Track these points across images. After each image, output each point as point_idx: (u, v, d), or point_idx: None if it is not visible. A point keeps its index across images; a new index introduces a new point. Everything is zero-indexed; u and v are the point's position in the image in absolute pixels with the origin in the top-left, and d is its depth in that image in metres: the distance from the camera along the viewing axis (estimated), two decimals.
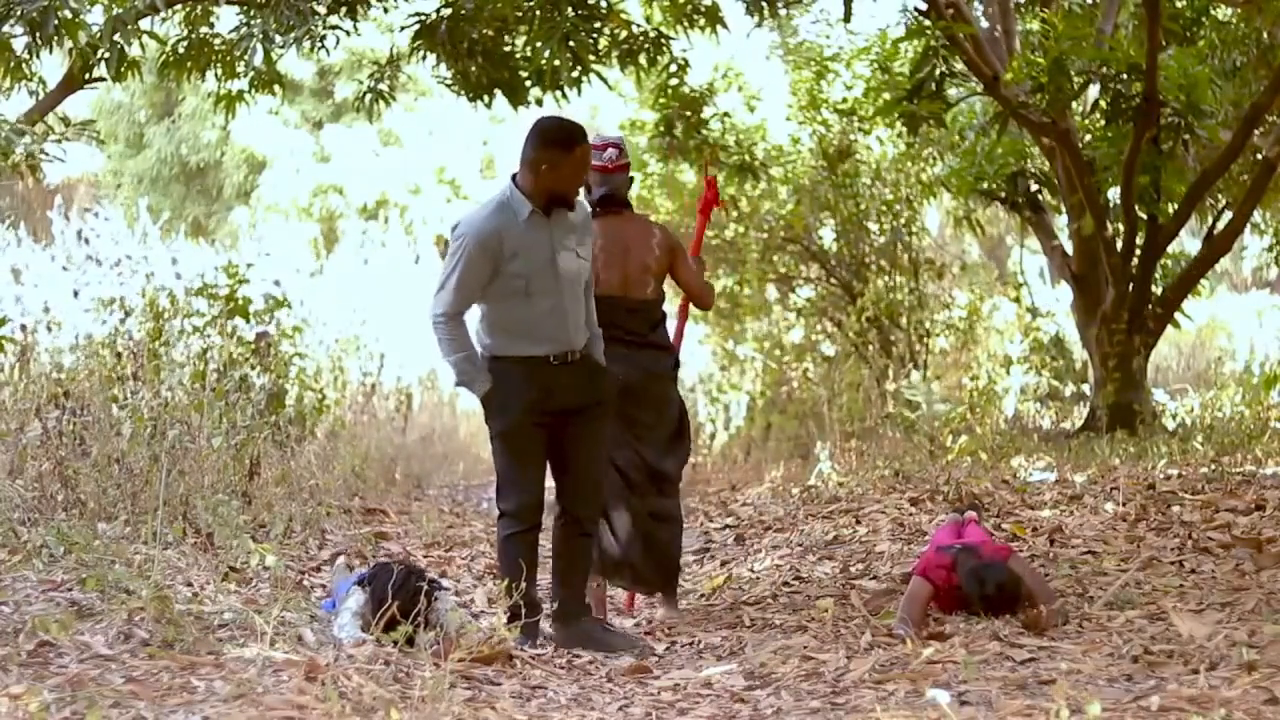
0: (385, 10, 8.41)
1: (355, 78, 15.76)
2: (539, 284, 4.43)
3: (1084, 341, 10.05)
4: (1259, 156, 9.35)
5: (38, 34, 6.91)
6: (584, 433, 4.58)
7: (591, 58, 7.73)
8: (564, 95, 7.97)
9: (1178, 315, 9.76)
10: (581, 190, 5.16)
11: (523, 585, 4.35)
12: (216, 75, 8.50)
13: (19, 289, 7.56)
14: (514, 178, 4.51)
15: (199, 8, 8.21)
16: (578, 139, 4.45)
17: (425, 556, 6.18)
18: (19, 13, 6.84)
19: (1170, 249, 9.70)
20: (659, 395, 5.16)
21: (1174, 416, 9.85)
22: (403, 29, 8.29)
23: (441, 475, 10.36)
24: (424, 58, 8.21)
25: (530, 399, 4.47)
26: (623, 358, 4.92)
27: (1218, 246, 9.50)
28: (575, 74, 7.54)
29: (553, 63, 7.39)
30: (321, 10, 7.55)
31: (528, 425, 4.49)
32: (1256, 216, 10.98)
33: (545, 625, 4.67)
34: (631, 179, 5.34)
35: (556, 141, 4.44)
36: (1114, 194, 9.08)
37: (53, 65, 9.14)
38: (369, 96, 8.71)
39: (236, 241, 16.51)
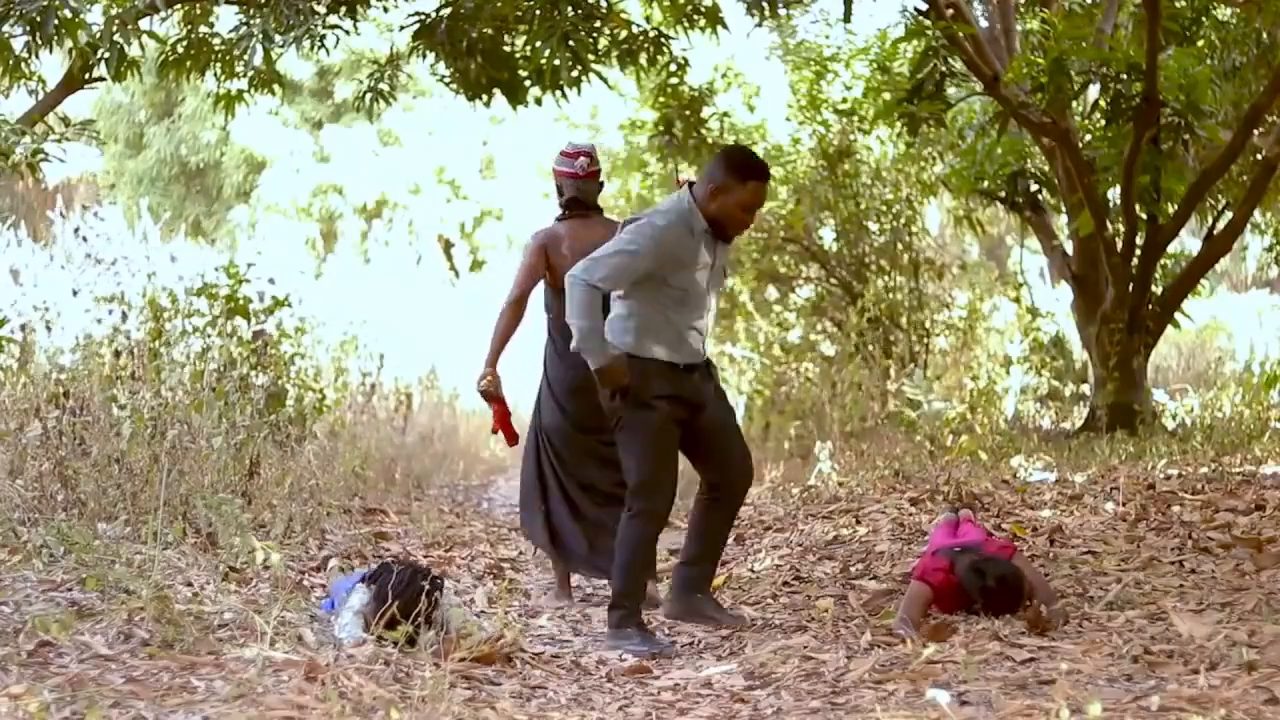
0: (385, 10, 8.40)
1: (355, 78, 15.75)
2: (693, 299, 4.65)
3: (1084, 341, 10.05)
4: (1259, 156, 9.35)
5: (38, 34, 6.91)
6: (715, 412, 4.79)
7: (591, 57, 7.73)
8: (564, 95, 7.97)
9: (1178, 315, 9.76)
10: (553, 194, 5.59)
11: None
12: (216, 75, 8.50)
13: (19, 289, 7.56)
14: (691, 186, 4.69)
15: (198, 7, 8.21)
16: (754, 174, 4.61)
17: (425, 556, 6.17)
18: (19, 12, 6.84)
19: (1170, 249, 9.70)
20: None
21: (1174, 416, 9.85)
22: (402, 29, 8.29)
23: (441, 475, 10.35)
24: (424, 57, 8.22)
25: (668, 395, 4.64)
26: None
27: (1218, 246, 9.50)
28: (575, 74, 7.54)
29: (552, 62, 7.39)
30: (321, 10, 7.55)
31: (670, 422, 4.66)
32: (1256, 216, 10.99)
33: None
34: (602, 184, 5.68)
35: (734, 168, 4.61)
36: (1114, 194, 9.08)
37: (53, 65, 9.14)
38: (369, 96, 8.71)
39: (235, 241, 16.53)
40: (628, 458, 4.72)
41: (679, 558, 5.06)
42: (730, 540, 6.68)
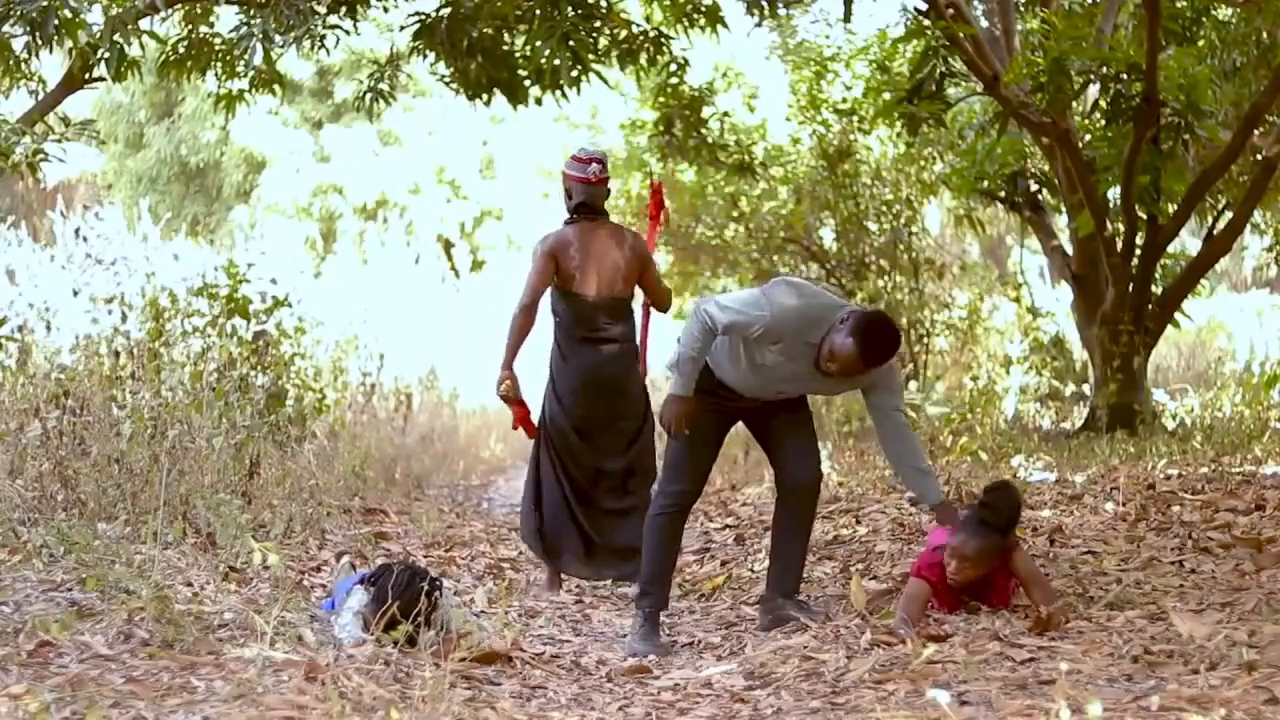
0: (385, 10, 8.41)
1: (355, 78, 15.76)
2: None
3: (1084, 341, 10.04)
4: (1259, 156, 9.34)
5: (38, 34, 6.91)
6: (781, 410, 4.72)
7: (591, 57, 7.73)
8: (564, 95, 7.97)
9: (1178, 315, 9.76)
10: (564, 197, 5.70)
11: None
12: (217, 75, 8.50)
13: (18, 289, 7.56)
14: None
15: (199, 7, 8.21)
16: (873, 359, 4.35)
17: (425, 556, 6.17)
18: (19, 13, 6.84)
19: (1170, 249, 9.70)
20: (633, 387, 5.69)
21: (1174, 416, 9.85)
22: (402, 28, 8.30)
23: (441, 475, 10.35)
24: (424, 57, 8.22)
25: (707, 390, 4.62)
26: (600, 352, 5.56)
27: (1218, 246, 9.50)
28: (575, 73, 7.54)
29: (552, 62, 7.39)
30: (321, 10, 7.55)
31: (705, 411, 4.63)
32: (1256, 216, 10.98)
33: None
34: (609, 190, 5.80)
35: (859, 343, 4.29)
36: (1114, 194, 9.08)
37: (53, 65, 9.15)
38: (369, 96, 8.71)
39: (234, 242, 16.53)
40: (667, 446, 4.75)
41: None
42: (730, 540, 6.71)
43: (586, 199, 5.64)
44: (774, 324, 4.39)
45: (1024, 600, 4.49)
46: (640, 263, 5.67)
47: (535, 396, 5.79)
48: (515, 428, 5.79)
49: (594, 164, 5.64)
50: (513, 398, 5.58)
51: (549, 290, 5.62)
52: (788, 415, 4.74)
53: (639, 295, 5.81)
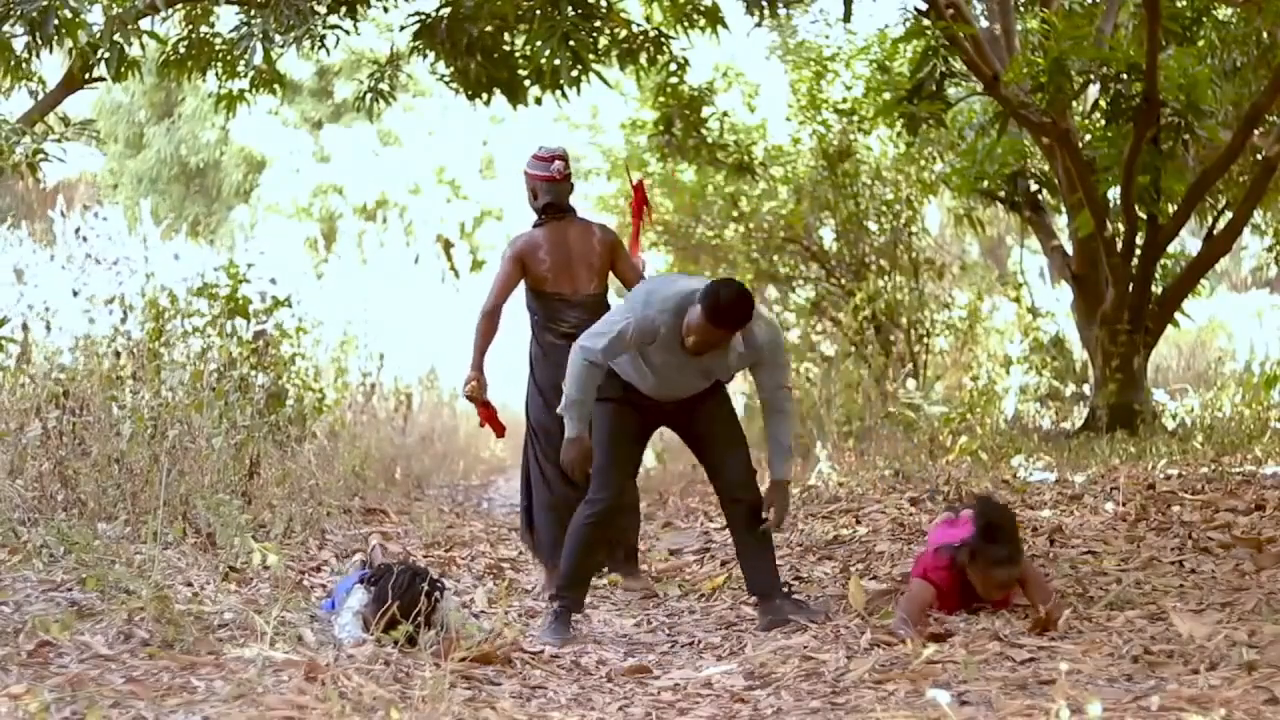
0: (385, 10, 8.40)
1: (355, 77, 15.76)
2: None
3: (1084, 341, 10.04)
4: (1259, 156, 9.34)
5: (38, 34, 6.91)
6: (708, 423, 4.83)
7: (591, 57, 7.72)
8: (564, 95, 7.97)
9: (1178, 315, 9.75)
10: (528, 197, 5.71)
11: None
12: (217, 75, 8.50)
13: (17, 289, 7.55)
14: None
15: (199, 7, 8.21)
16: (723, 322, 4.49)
17: (425, 556, 6.18)
18: (19, 13, 6.84)
19: (1170, 249, 9.70)
20: None
21: (1174, 416, 9.84)
22: (402, 28, 8.29)
23: (441, 475, 10.35)
24: (424, 57, 8.21)
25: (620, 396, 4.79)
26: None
27: (1218, 246, 9.49)
28: (575, 73, 7.54)
29: (552, 62, 7.39)
30: (321, 10, 7.55)
31: (628, 410, 4.78)
32: (1256, 216, 10.98)
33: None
34: (573, 186, 5.80)
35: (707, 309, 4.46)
36: (1114, 194, 9.07)
37: (53, 65, 9.14)
38: (369, 96, 8.71)
39: (234, 242, 16.52)
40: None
41: None
42: (730, 540, 6.70)
43: (553, 197, 5.66)
44: (640, 323, 4.52)
45: (1023, 600, 4.49)
46: (610, 253, 5.71)
47: (515, 394, 5.86)
48: (482, 425, 5.92)
49: (556, 161, 5.66)
50: (478, 398, 5.70)
51: (524, 290, 5.68)
52: (711, 422, 4.83)
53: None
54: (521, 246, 5.60)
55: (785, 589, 4.88)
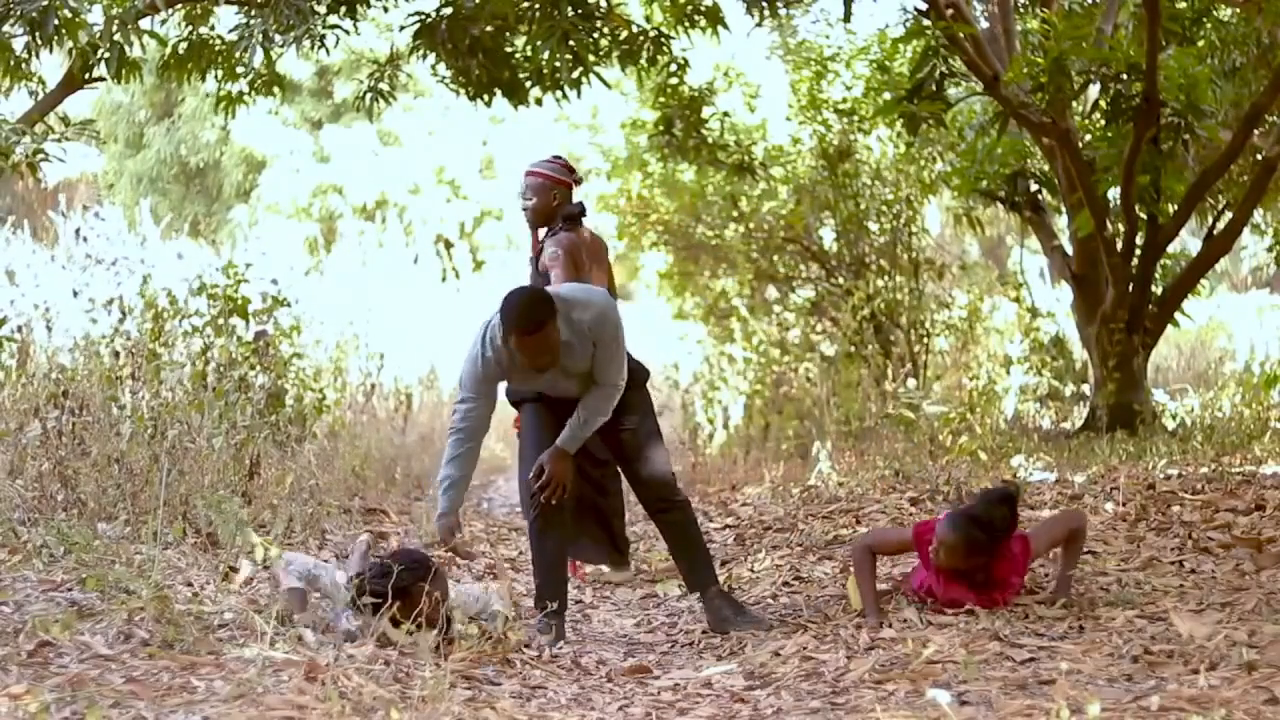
0: (385, 10, 8.40)
1: (355, 77, 15.75)
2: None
3: (1084, 341, 10.04)
4: (1259, 156, 9.34)
5: (38, 34, 6.91)
6: (622, 428, 4.82)
7: (591, 57, 7.73)
8: (564, 95, 7.96)
9: (1178, 315, 9.75)
10: (542, 199, 5.76)
11: None
12: (217, 78, 8.50)
13: (18, 289, 7.56)
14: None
15: (199, 8, 8.21)
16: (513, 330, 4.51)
17: None
18: (19, 13, 6.84)
19: (1170, 249, 9.70)
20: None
21: (1174, 416, 9.84)
22: (402, 28, 8.29)
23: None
24: (424, 57, 8.21)
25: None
26: None
27: (1218, 246, 9.49)
28: (575, 74, 7.54)
29: (553, 62, 7.39)
30: (321, 10, 7.55)
31: (541, 409, 4.85)
32: (1256, 216, 10.98)
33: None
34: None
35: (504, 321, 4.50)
36: (1114, 194, 9.07)
37: (53, 65, 9.14)
38: (369, 96, 8.71)
39: (235, 242, 16.52)
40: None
41: None
42: (730, 540, 6.71)
43: (569, 203, 5.77)
44: (483, 350, 4.59)
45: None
46: (606, 257, 5.95)
47: None
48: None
49: (574, 169, 5.87)
50: None
51: None
52: (629, 435, 4.82)
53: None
54: (570, 246, 5.67)
55: (724, 589, 4.91)
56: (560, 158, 5.90)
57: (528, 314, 4.41)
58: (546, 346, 4.45)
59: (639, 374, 4.92)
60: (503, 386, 4.89)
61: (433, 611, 4.09)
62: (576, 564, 5.87)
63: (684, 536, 4.87)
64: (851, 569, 4.74)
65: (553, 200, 5.74)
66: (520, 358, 4.49)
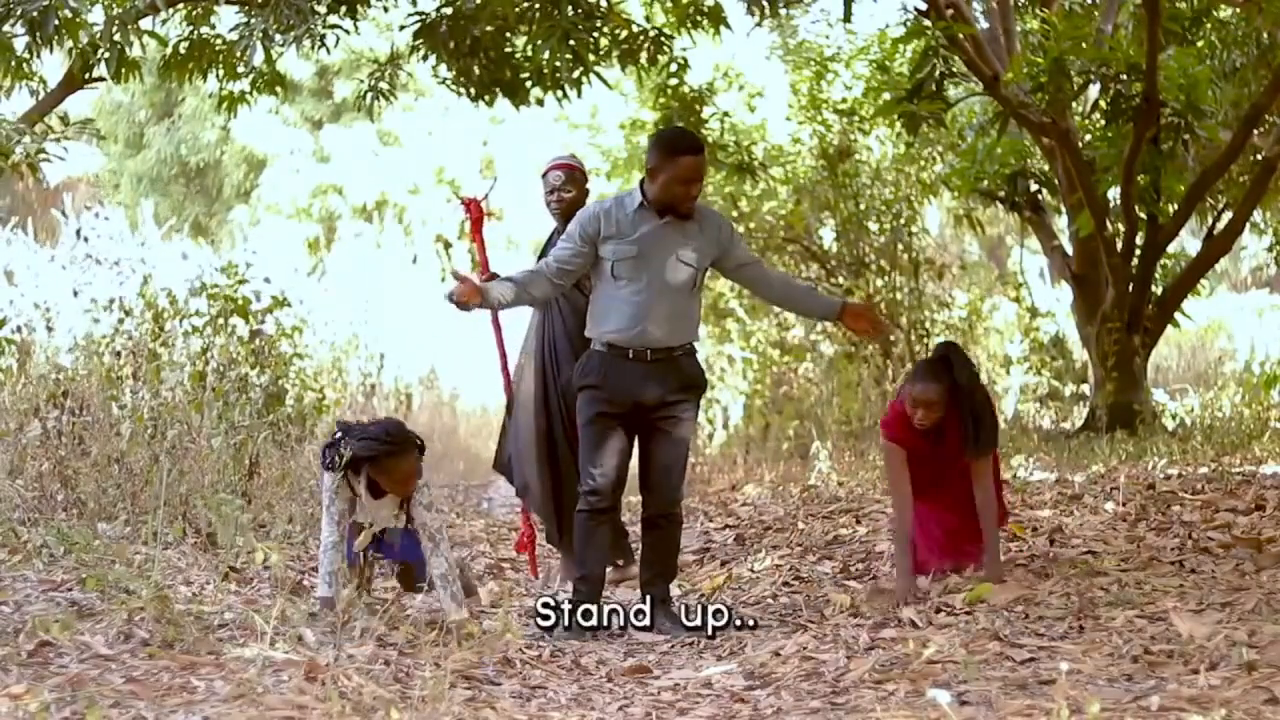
0: (385, 10, 8.41)
1: (355, 77, 15.75)
2: (646, 276, 4.70)
3: (1084, 341, 10.05)
4: (1259, 156, 9.35)
5: (38, 34, 6.92)
6: (658, 440, 4.78)
7: (592, 57, 7.73)
8: (565, 95, 7.96)
9: (1178, 315, 9.75)
10: (570, 195, 5.71)
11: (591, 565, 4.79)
12: (218, 78, 8.50)
13: (18, 289, 7.56)
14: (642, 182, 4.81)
15: (199, 7, 8.21)
16: (684, 150, 4.66)
17: None
18: (19, 13, 6.84)
19: (1170, 249, 9.70)
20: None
21: (1174, 416, 9.85)
22: (403, 28, 8.29)
23: (441, 475, 10.35)
24: (424, 57, 8.21)
25: (593, 385, 4.75)
26: None
27: (1217, 246, 9.50)
28: (576, 74, 7.54)
29: (553, 62, 7.39)
30: (321, 10, 7.55)
31: (603, 414, 4.73)
32: (1256, 216, 10.98)
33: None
34: None
35: (663, 147, 4.68)
36: (1114, 194, 9.08)
37: (53, 65, 9.14)
38: (369, 96, 8.71)
39: (235, 242, 16.54)
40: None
41: None
42: (730, 540, 6.71)
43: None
44: (584, 221, 4.79)
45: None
46: None
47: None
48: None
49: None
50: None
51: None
52: (663, 448, 4.78)
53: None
54: None
55: (665, 601, 4.88)
56: (578, 160, 5.94)
57: (690, 135, 4.77)
58: (698, 175, 4.64)
59: (699, 381, 4.95)
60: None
61: (406, 481, 4.31)
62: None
63: (665, 549, 4.90)
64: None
65: (585, 192, 5.77)
66: (663, 190, 4.59)
